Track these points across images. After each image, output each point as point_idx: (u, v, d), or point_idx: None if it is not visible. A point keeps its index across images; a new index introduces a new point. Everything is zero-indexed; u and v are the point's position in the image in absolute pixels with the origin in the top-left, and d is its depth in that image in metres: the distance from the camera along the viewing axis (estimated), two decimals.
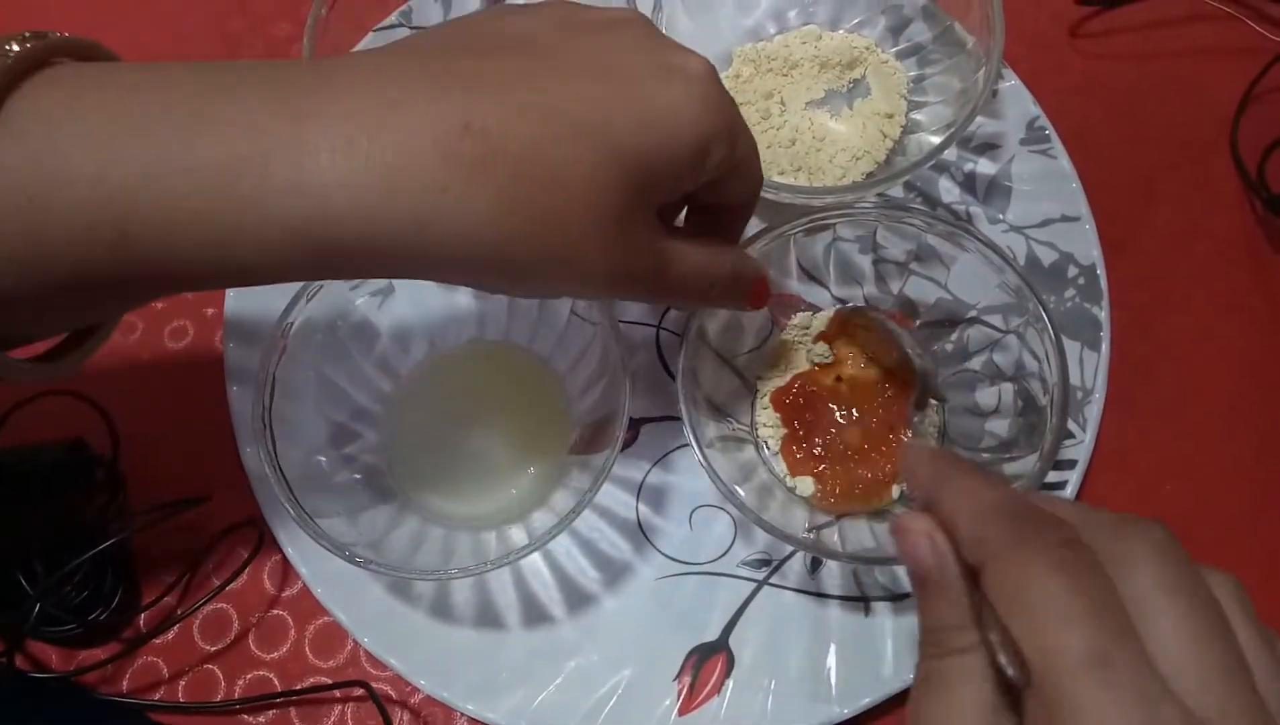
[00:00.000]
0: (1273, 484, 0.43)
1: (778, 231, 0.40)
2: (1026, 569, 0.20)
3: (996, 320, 0.40)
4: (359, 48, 0.48)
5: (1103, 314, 0.45)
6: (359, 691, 0.40)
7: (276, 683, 0.40)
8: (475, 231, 0.26)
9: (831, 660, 0.39)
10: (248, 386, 0.44)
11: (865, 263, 0.43)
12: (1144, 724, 0.18)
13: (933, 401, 0.35)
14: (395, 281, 0.43)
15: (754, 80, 0.49)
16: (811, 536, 0.38)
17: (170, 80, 0.25)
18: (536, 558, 0.41)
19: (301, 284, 0.38)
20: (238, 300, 0.46)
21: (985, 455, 0.40)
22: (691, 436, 0.37)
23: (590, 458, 0.40)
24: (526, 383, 0.44)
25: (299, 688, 0.40)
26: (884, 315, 0.41)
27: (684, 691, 0.39)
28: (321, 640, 0.41)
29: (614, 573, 0.41)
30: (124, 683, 0.41)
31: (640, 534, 0.42)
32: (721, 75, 0.37)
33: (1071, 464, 0.42)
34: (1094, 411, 0.43)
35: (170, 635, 0.41)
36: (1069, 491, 0.42)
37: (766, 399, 0.43)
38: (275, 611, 0.42)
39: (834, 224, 0.41)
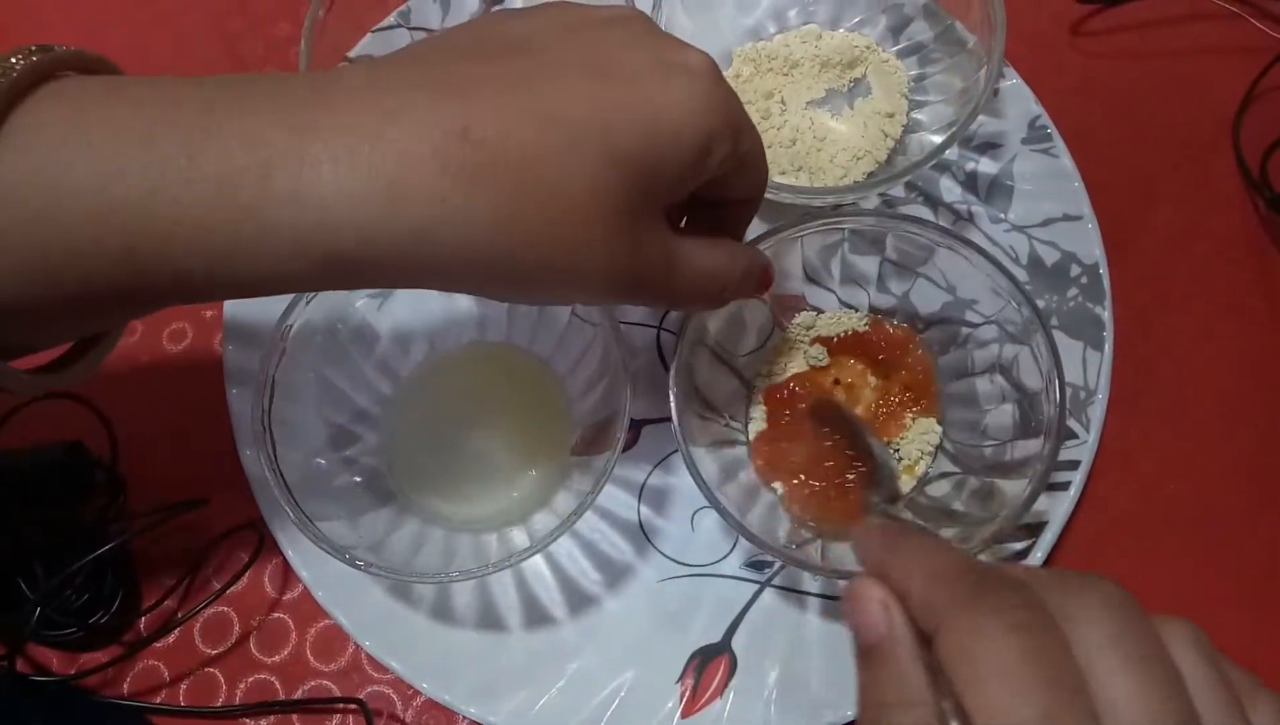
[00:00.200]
0: (1276, 483, 0.43)
1: (784, 234, 0.40)
2: (975, 632, 0.20)
3: (997, 325, 0.40)
4: (357, 48, 0.48)
5: (1105, 313, 0.44)
6: (361, 695, 0.40)
7: (278, 686, 0.40)
8: (476, 241, 0.25)
9: (835, 662, 0.39)
10: (247, 389, 0.43)
11: (869, 266, 0.43)
12: None
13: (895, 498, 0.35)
14: None
15: (754, 80, 0.49)
16: (792, 547, 0.38)
17: (173, 94, 0.25)
18: (538, 559, 0.41)
19: None
20: (237, 303, 0.46)
21: (988, 453, 0.40)
22: (679, 434, 0.37)
23: (591, 459, 0.40)
24: (527, 384, 0.43)
25: (298, 696, 0.40)
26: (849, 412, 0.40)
27: (687, 694, 0.39)
28: (322, 643, 0.41)
29: (616, 574, 0.41)
30: (125, 686, 0.40)
31: (642, 535, 0.42)
32: None
33: (1075, 464, 0.42)
34: (1097, 411, 0.43)
35: (171, 638, 0.41)
36: (1072, 492, 0.42)
37: (760, 396, 0.42)
38: (276, 614, 0.42)
39: (844, 228, 0.41)
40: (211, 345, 0.46)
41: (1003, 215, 0.47)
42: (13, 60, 0.24)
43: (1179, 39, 0.52)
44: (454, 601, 0.41)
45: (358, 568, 0.35)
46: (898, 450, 0.41)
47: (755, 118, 0.47)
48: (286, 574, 0.42)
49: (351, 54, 0.47)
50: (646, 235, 0.29)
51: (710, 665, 0.40)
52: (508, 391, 0.44)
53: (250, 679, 0.41)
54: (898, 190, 0.47)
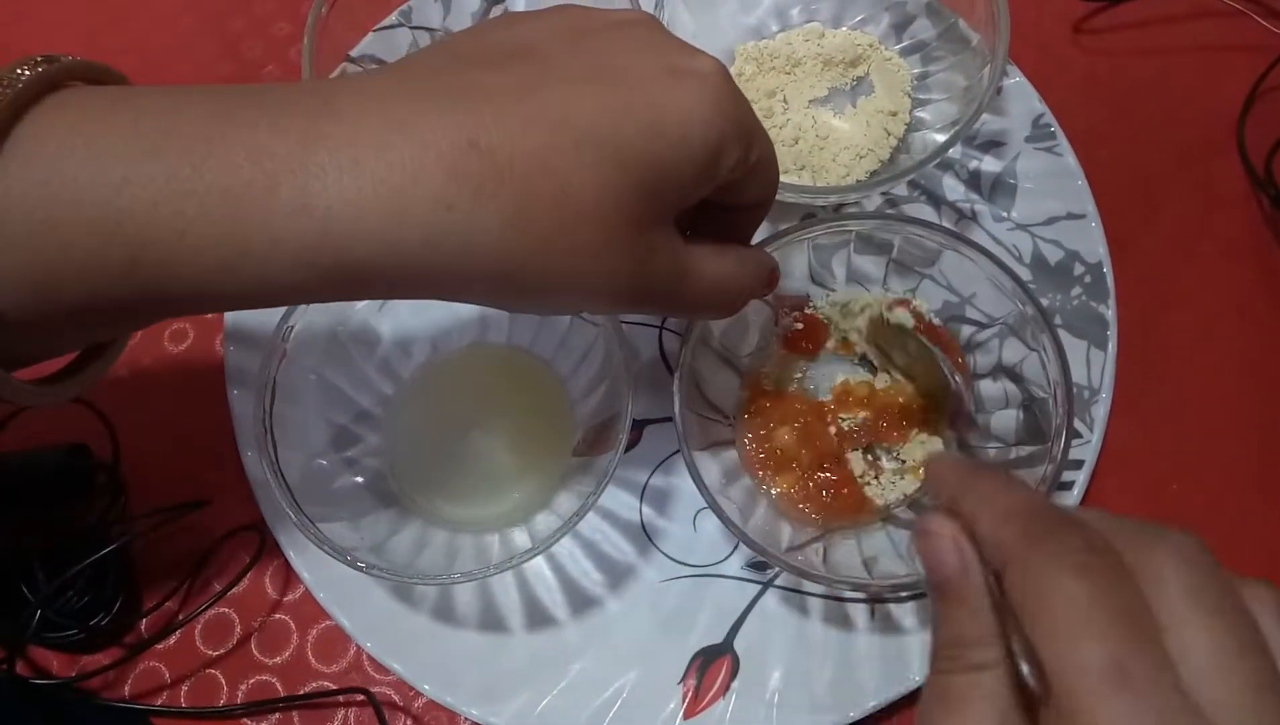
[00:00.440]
0: (1278, 483, 0.43)
1: (791, 237, 0.39)
2: (1046, 573, 0.19)
3: (1003, 326, 0.40)
4: (359, 48, 0.48)
5: (1109, 312, 0.44)
6: (361, 697, 0.40)
7: (279, 687, 0.40)
8: (485, 249, 0.25)
9: (838, 663, 0.39)
10: (248, 390, 0.43)
11: (873, 266, 0.43)
12: None
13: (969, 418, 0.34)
14: None
15: (756, 78, 0.48)
16: (795, 551, 0.38)
17: (179, 105, 0.25)
18: (540, 560, 0.41)
19: None
20: None
21: (992, 454, 0.40)
22: (683, 441, 0.37)
23: (593, 460, 0.40)
24: (529, 385, 0.43)
25: (301, 693, 0.40)
26: (925, 335, 0.40)
27: (689, 695, 0.39)
28: (324, 645, 0.41)
29: (618, 575, 0.41)
30: (126, 688, 0.40)
31: (644, 536, 0.42)
32: None
33: (1078, 464, 0.42)
34: (1101, 411, 0.43)
35: (172, 640, 0.41)
36: (1076, 492, 0.41)
37: (745, 381, 0.42)
38: (277, 616, 0.41)
39: (850, 231, 0.41)
40: (213, 346, 0.46)
41: (1006, 214, 0.46)
42: (19, 71, 0.24)
43: (1183, 37, 0.51)
44: (456, 603, 0.40)
45: (359, 569, 0.35)
46: (898, 454, 0.41)
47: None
48: (288, 575, 0.42)
49: (354, 53, 0.47)
50: (657, 243, 0.28)
51: (712, 666, 0.39)
52: (510, 392, 0.44)
53: (251, 680, 0.40)
54: (901, 189, 0.47)
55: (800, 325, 0.43)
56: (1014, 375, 0.40)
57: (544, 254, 0.26)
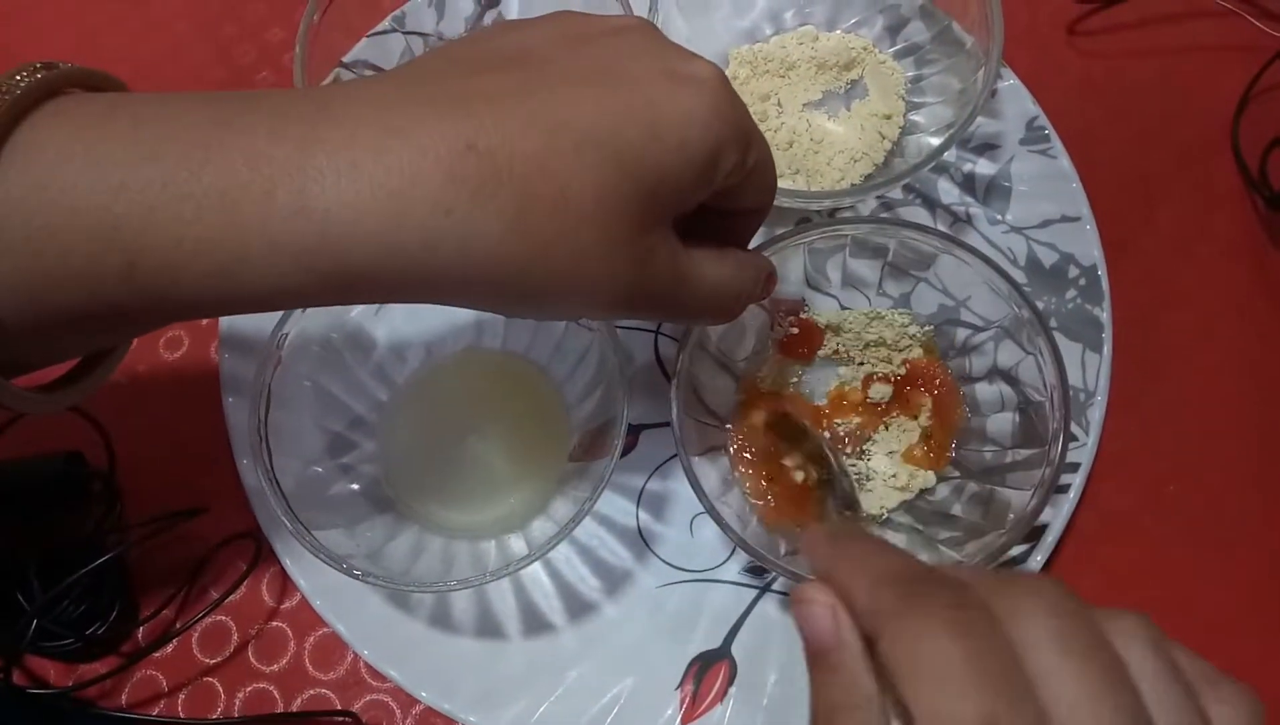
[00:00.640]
0: (1277, 483, 0.43)
1: (787, 242, 0.39)
2: (919, 632, 0.20)
3: (998, 329, 0.40)
4: (352, 53, 0.48)
5: (1104, 315, 0.44)
6: (356, 707, 0.40)
7: (276, 695, 0.40)
8: (483, 253, 0.25)
9: None
10: (243, 397, 0.43)
11: (868, 270, 0.43)
12: None
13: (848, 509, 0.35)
14: None
15: (750, 82, 0.48)
16: (792, 558, 0.38)
17: (177, 111, 0.25)
18: (537, 567, 0.41)
19: None
20: None
21: (988, 457, 0.40)
22: (681, 447, 0.37)
23: (589, 465, 0.40)
24: (524, 390, 0.43)
25: (296, 707, 0.40)
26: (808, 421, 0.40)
27: (686, 701, 0.39)
28: (321, 652, 0.41)
29: (614, 581, 0.41)
30: (123, 697, 0.40)
31: (640, 541, 0.42)
32: None
33: (1075, 467, 0.42)
34: (1096, 414, 0.43)
35: (169, 649, 0.41)
36: (1073, 494, 0.41)
37: (740, 389, 0.42)
38: (274, 624, 0.41)
39: (846, 236, 0.41)
40: (208, 353, 0.46)
41: (1001, 216, 0.46)
42: (17, 77, 0.24)
43: (1177, 38, 0.51)
44: (453, 609, 0.40)
45: (355, 577, 0.35)
46: (866, 453, 0.41)
47: None
48: (285, 583, 0.42)
49: (347, 59, 0.47)
50: (656, 246, 0.28)
51: (710, 671, 0.39)
52: (505, 398, 0.44)
53: (249, 689, 0.40)
54: (895, 192, 0.47)
55: (796, 330, 0.43)
56: (1010, 378, 0.40)
57: (544, 256, 0.26)
